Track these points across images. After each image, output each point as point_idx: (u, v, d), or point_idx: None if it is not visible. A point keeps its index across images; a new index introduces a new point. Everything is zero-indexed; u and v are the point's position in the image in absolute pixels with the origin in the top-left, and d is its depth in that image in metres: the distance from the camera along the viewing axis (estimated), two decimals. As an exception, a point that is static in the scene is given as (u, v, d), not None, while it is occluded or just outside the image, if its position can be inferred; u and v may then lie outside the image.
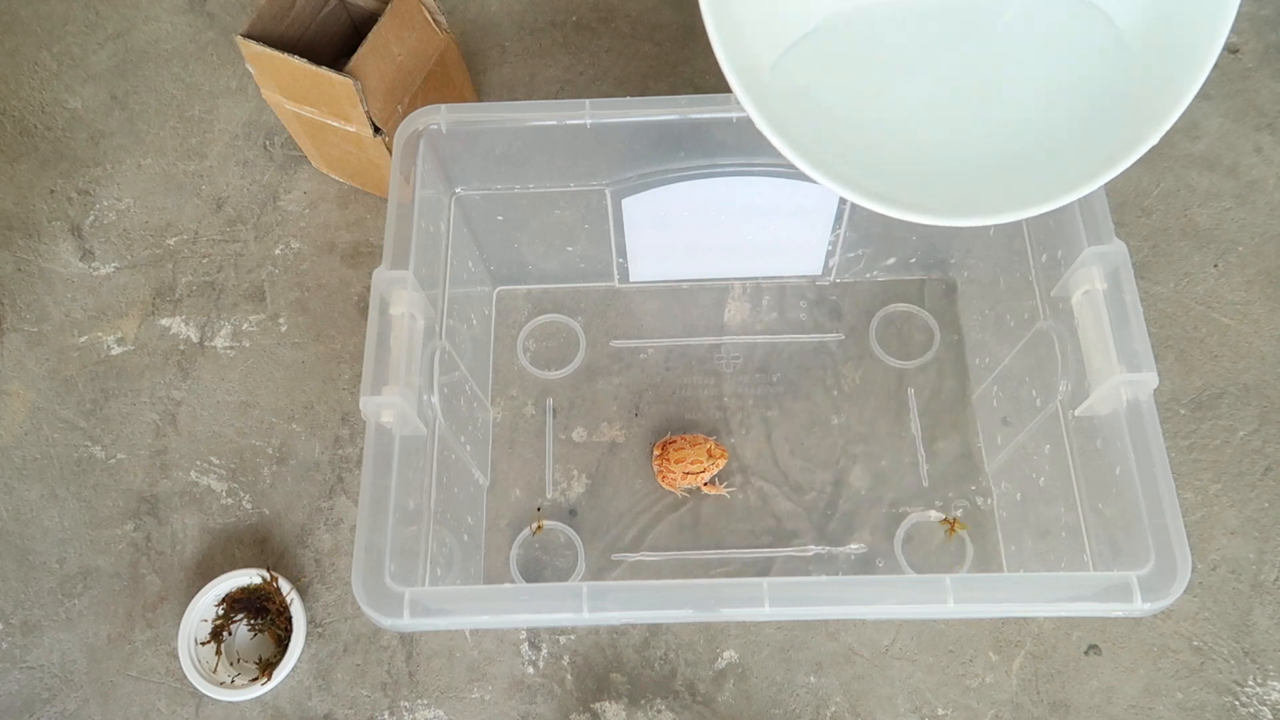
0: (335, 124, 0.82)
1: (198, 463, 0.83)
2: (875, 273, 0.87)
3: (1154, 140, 0.54)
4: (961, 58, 0.64)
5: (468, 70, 0.93)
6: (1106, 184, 0.58)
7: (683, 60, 1.00)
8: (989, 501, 0.79)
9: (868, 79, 0.65)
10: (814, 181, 0.57)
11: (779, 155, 0.59)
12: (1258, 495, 0.78)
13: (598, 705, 0.74)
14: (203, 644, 0.75)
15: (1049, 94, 0.62)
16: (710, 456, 0.78)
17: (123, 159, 0.97)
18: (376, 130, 0.81)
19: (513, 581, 0.78)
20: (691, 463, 0.78)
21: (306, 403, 0.85)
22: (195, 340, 0.88)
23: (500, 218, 0.80)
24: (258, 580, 0.76)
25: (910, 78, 0.65)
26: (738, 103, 0.59)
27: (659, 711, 0.74)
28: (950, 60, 0.65)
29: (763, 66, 0.61)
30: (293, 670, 0.75)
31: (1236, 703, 0.72)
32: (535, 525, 0.79)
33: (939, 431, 0.82)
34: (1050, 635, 0.75)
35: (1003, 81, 0.63)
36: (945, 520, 0.78)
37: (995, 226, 0.78)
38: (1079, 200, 0.60)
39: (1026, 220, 0.73)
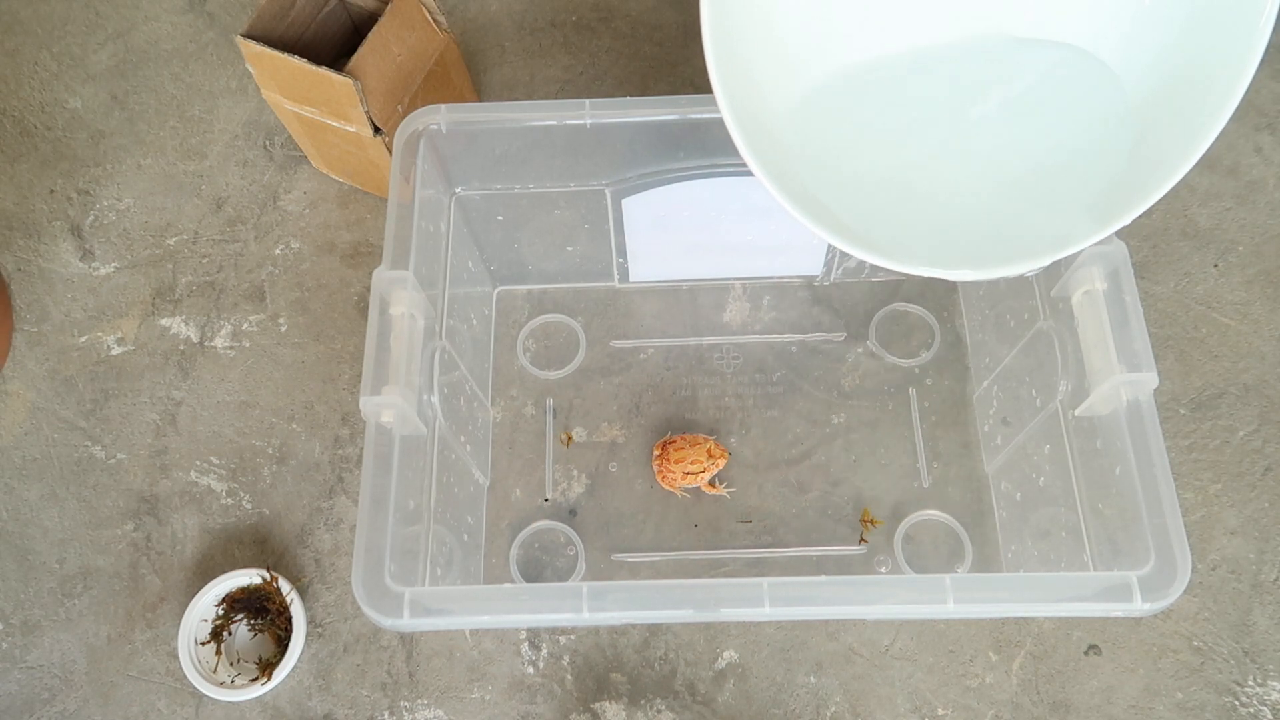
0: (335, 124, 0.82)
1: (198, 463, 0.83)
2: (875, 273, 0.87)
3: (1156, 197, 0.55)
4: (972, 113, 0.65)
5: (468, 70, 0.93)
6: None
7: (683, 60, 1.00)
8: (989, 501, 0.79)
9: (877, 133, 0.65)
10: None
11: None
12: (1258, 495, 0.78)
13: (598, 705, 0.74)
14: (203, 644, 0.75)
15: (1057, 149, 0.62)
16: (710, 456, 0.78)
17: (123, 159, 0.97)
18: (376, 130, 0.81)
19: (513, 581, 0.78)
20: (691, 463, 0.78)
21: (306, 403, 0.85)
22: (195, 340, 0.88)
23: (500, 218, 0.80)
24: (258, 580, 0.76)
25: (919, 131, 0.65)
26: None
27: (659, 711, 0.74)
28: (961, 114, 0.65)
29: (770, 118, 0.61)
30: (293, 670, 0.75)
31: (1236, 703, 0.72)
32: (565, 437, 0.82)
33: (939, 431, 0.82)
34: (1050, 635, 0.75)
35: (1011, 137, 0.64)
36: (864, 523, 0.79)
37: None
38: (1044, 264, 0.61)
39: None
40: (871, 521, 0.78)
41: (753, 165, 0.56)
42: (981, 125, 0.64)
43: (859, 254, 0.57)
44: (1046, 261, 0.58)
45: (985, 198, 0.63)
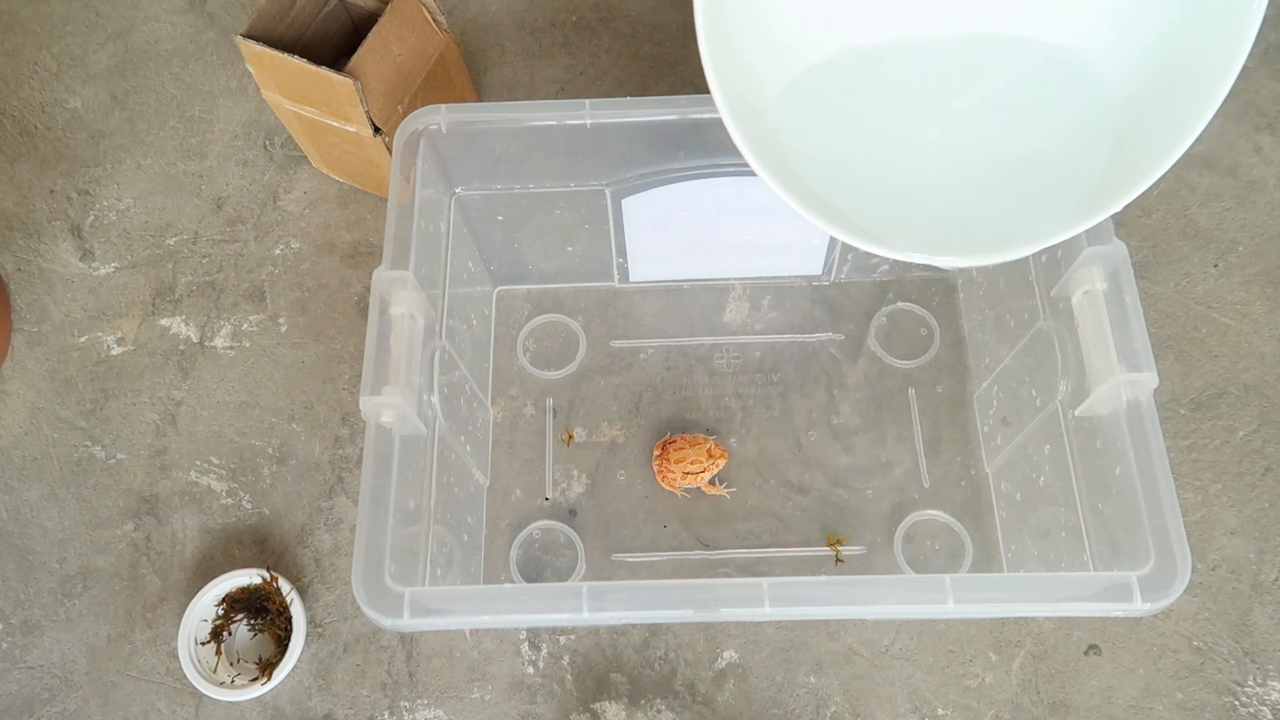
0: (335, 124, 0.82)
1: (198, 463, 0.83)
2: (875, 273, 0.87)
3: (1137, 192, 0.55)
4: (958, 104, 0.65)
5: (468, 70, 0.93)
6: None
7: (683, 60, 1.00)
8: (989, 501, 0.79)
9: (866, 122, 0.65)
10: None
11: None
12: (1258, 495, 0.78)
13: (598, 705, 0.74)
14: (203, 644, 0.75)
15: (1041, 142, 0.63)
16: (710, 456, 0.78)
17: (123, 159, 0.97)
18: (376, 130, 0.81)
19: (513, 581, 0.78)
20: (691, 463, 0.78)
21: (306, 403, 0.85)
22: (195, 340, 0.88)
23: (500, 218, 0.80)
24: (258, 580, 0.76)
25: (907, 121, 0.66)
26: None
27: (659, 711, 0.74)
28: (947, 106, 0.65)
29: (763, 106, 0.61)
30: (293, 670, 0.75)
31: (1236, 703, 0.72)
32: (566, 436, 0.82)
33: (939, 431, 0.82)
34: (1050, 635, 0.75)
35: (997, 129, 0.64)
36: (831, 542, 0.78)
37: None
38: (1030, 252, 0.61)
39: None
40: (839, 542, 0.78)
41: (746, 152, 0.56)
42: (967, 117, 0.65)
43: (849, 239, 0.58)
44: (1031, 251, 0.58)
45: (972, 187, 0.63)
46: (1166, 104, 0.56)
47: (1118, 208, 0.56)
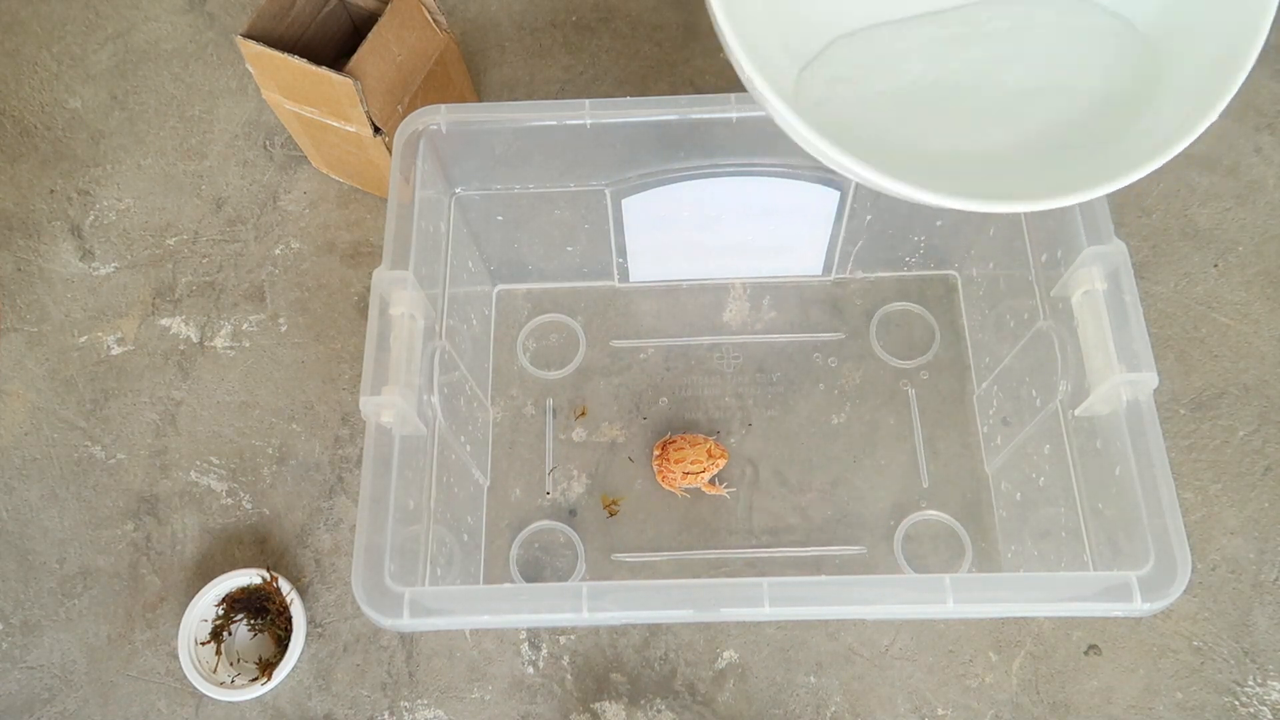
0: (335, 124, 0.82)
1: (198, 463, 0.83)
2: (875, 272, 0.87)
3: (1184, 144, 0.54)
4: (990, 60, 0.64)
5: (468, 70, 0.93)
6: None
7: (683, 60, 1.00)
8: (989, 501, 0.79)
9: (895, 84, 0.65)
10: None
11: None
12: (1258, 495, 0.78)
13: (598, 705, 0.74)
14: (203, 644, 0.75)
15: (1077, 93, 0.62)
16: (710, 456, 0.78)
17: (123, 159, 0.97)
18: (376, 130, 0.81)
19: (513, 581, 0.78)
20: (691, 463, 0.78)
21: (306, 403, 0.85)
22: (195, 340, 0.88)
23: (500, 218, 0.80)
24: (258, 580, 0.76)
25: (939, 80, 0.65)
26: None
27: (659, 711, 0.74)
28: (978, 63, 0.64)
29: (786, 79, 0.61)
30: (293, 670, 0.75)
31: (1236, 703, 0.72)
32: (580, 411, 0.83)
33: (939, 431, 0.82)
34: (1050, 635, 0.75)
35: (1030, 82, 0.63)
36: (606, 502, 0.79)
37: (995, 226, 0.78)
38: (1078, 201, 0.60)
39: (1027, 219, 0.73)
40: (614, 502, 0.79)
41: (780, 111, 0.54)
42: (1003, 71, 0.63)
43: (886, 183, 0.55)
44: (1073, 201, 0.55)
45: (1009, 140, 0.62)
46: (1201, 53, 0.54)
47: (1155, 166, 0.53)
